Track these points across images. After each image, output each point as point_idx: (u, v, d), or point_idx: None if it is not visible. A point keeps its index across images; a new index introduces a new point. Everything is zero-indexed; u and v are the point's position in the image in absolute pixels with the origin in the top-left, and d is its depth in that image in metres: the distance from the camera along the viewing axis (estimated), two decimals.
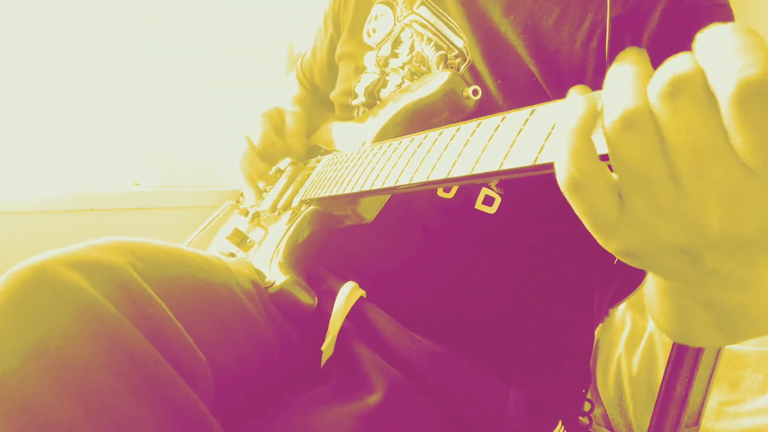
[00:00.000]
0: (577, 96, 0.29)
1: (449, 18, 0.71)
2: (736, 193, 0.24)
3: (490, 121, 0.42)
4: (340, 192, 0.62)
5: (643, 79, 0.26)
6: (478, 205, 0.64)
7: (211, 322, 0.55)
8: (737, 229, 0.25)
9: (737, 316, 0.36)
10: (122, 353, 0.42)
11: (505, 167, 0.37)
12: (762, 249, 0.26)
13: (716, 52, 0.23)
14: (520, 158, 0.36)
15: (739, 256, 0.27)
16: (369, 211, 0.68)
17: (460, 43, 0.69)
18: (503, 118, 0.40)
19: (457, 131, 0.45)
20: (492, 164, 0.38)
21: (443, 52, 0.70)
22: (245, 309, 0.60)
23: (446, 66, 0.70)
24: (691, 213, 0.26)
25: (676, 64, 0.25)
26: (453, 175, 0.42)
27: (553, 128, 0.34)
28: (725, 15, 0.59)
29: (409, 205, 0.68)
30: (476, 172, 0.40)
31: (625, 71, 0.27)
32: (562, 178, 0.28)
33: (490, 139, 0.40)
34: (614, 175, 0.28)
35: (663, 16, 0.58)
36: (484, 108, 0.65)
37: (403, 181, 0.49)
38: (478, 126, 0.43)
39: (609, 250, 0.31)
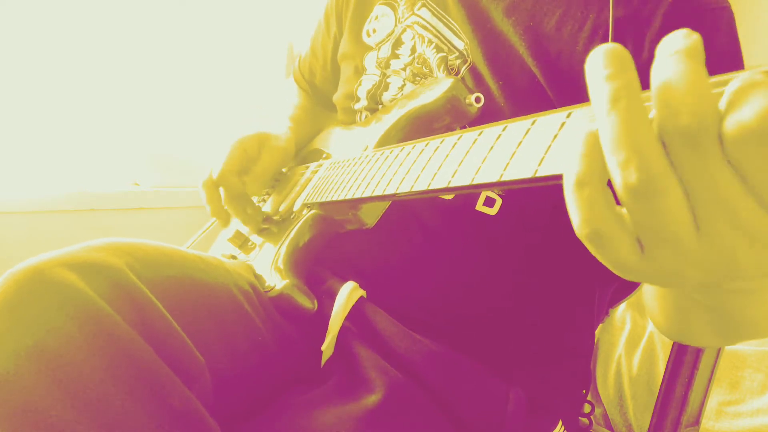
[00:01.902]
0: (587, 148, 0.26)
1: (450, 20, 0.71)
2: (761, 231, 0.24)
3: (491, 131, 0.42)
4: (342, 197, 0.62)
5: (651, 129, 0.24)
6: (479, 207, 0.64)
7: (208, 322, 0.55)
8: (765, 265, 0.25)
9: (737, 319, 0.36)
10: (119, 354, 0.42)
11: (505, 178, 0.37)
12: None
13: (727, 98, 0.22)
14: (520, 170, 0.36)
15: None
16: (370, 216, 0.68)
17: (460, 44, 0.69)
18: (504, 128, 0.40)
19: (458, 139, 0.45)
20: (492, 175, 0.38)
21: (444, 54, 0.70)
22: (243, 310, 0.60)
23: (447, 68, 0.70)
24: (716, 255, 0.25)
25: (690, 103, 0.23)
26: (454, 184, 0.42)
27: (554, 139, 0.34)
28: (727, 18, 0.59)
29: (410, 206, 0.68)
30: (477, 182, 0.40)
31: (626, 121, 0.24)
32: (579, 230, 0.27)
33: (491, 149, 0.40)
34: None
35: (665, 18, 0.58)
36: (486, 109, 0.65)
37: (404, 188, 0.49)
38: (479, 135, 0.43)
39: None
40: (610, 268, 0.28)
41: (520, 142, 0.37)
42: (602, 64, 0.25)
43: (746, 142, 0.22)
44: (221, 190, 0.77)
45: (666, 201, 0.24)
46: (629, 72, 0.24)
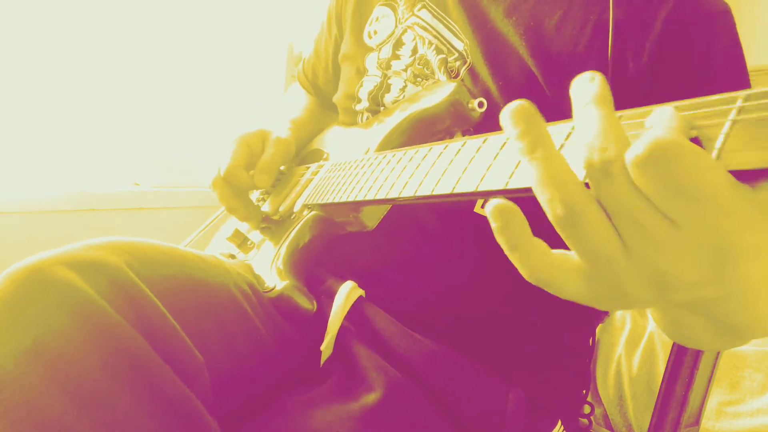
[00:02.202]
0: (495, 221, 0.30)
1: (449, 21, 0.71)
2: (674, 244, 0.27)
3: (495, 139, 0.42)
4: (343, 199, 0.62)
5: (562, 164, 0.29)
6: (477, 208, 0.64)
7: (207, 321, 0.55)
8: (695, 273, 0.27)
9: (729, 325, 0.35)
10: (119, 352, 0.42)
11: (510, 186, 0.37)
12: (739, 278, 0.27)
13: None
14: (526, 178, 0.36)
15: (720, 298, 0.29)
16: (371, 218, 0.68)
17: (460, 45, 0.69)
18: (509, 137, 0.41)
19: (462, 146, 0.45)
20: (497, 182, 0.39)
21: (443, 55, 0.70)
22: (242, 309, 0.60)
23: (447, 70, 0.70)
24: (648, 271, 0.28)
25: (598, 143, 0.27)
26: (458, 191, 0.43)
27: (560, 149, 0.35)
28: (728, 21, 0.59)
29: (409, 207, 0.68)
30: (481, 189, 0.40)
31: (545, 167, 0.29)
32: (528, 279, 0.31)
33: (495, 157, 0.40)
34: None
35: (665, 23, 0.58)
36: (486, 110, 0.65)
37: (407, 193, 0.49)
38: (484, 142, 0.43)
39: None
40: (572, 300, 0.32)
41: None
42: (513, 123, 0.29)
43: (640, 169, 0.25)
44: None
45: (591, 226, 0.28)
46: (538, 125, 0.29)
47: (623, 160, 0.26)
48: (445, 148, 0.47)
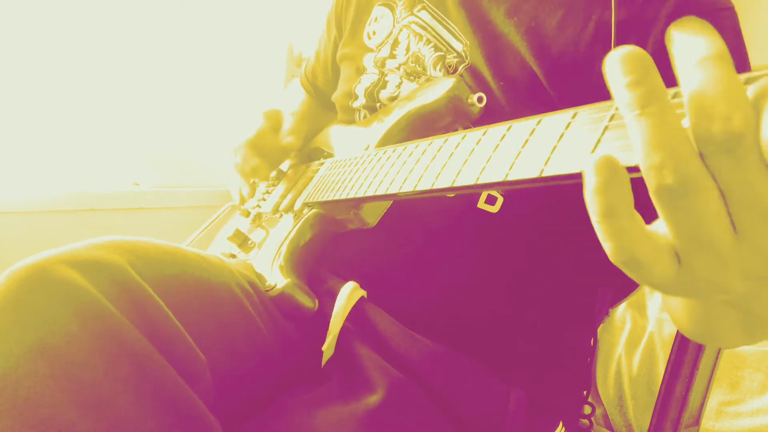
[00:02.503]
0: (598, 177, 0.25)
1: (449, 22, 0.71)
2: None
3: (495, 130, 0.41)
4: (343, 196, 0.61)
5: (684, 132, 0.24)
6: (481, 204, 0.64)
7: (209, 321, 0.55)
8: None
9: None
10: (121, 352, 0.42)
11: (510, 178, 0.36)
12: None
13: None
14: (526, 170, 0.35)
15: None
16: (371, 215, 0.68)
17: (459, 46, 0.69)
18: (509, 128, 0.40)
19: (462, 139, 0.45)
20: (497, 175, 0.38)
21: (441, 53, 0.70)
22: (244, 309, 0.60)
23: (444, 66, 0.70)
24: (755, 260, 0.25)
25: (727, 113, 0.23)
26: (458, 183, 0.42)
27: (560, 138, 0.34)
28: (732, 18, 0.59)
29: (411, 204, 0.68)
30: (482, 182, 0.39)
31: (660, 125, 0.24)
32: (612, 259, 0.27)
33: (496, 148, 0.40)
34: (665, 234, 0.27)
35: (668, 20, 0.58)
36: (487, 110, 0.65)
37: (407, 188, 0.49)
38: (484, 134, 0.43)
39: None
40: (651, 288, 0.28)
41: (526, 142, 0.37)
42: (624, 70, 0.24)
43: None
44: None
45: (702, 202, 0.24)
46: (653, 75, 0.24)
47: (755, 132, 0.23)
48: (445, 142, 0.47)
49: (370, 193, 0.55)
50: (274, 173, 0.90)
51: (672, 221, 0.25)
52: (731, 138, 0.23)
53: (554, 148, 0.34)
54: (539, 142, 0.36)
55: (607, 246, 0.26)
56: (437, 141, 0.48)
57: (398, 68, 0.75)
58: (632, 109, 0.25)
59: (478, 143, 0.42)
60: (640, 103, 0.24)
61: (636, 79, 0.24)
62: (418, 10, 0.74)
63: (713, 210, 0.24)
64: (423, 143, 0.51)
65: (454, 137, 0.46)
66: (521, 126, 0.39)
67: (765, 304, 0.27)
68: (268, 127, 0.84)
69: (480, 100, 0.64)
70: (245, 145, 0.83)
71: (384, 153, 0.57)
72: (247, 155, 0.82)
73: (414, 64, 0.73)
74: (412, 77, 0.73)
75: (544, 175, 0.34)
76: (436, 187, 0.45)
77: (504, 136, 0.40)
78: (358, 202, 0.66)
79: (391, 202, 0.68)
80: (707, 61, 0.23)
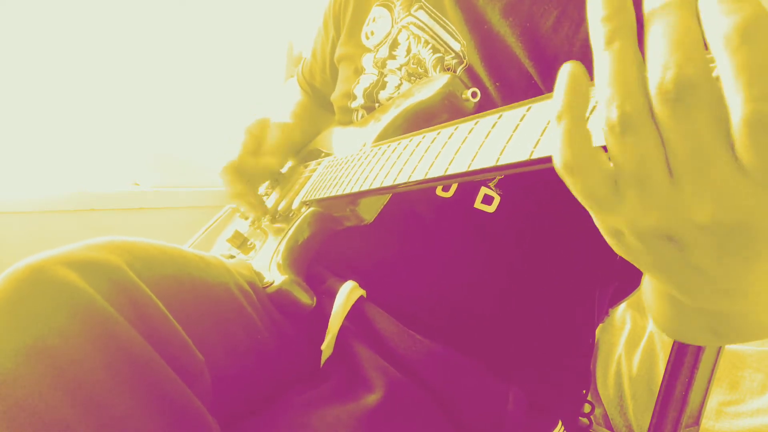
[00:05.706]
0: (568, 84, 0.28)
1: (447, 21, 0.71)
2: (731, 189, 0.24)
3: (487, 119, 0.42)
4: (340, 192, 0.62)
5: (638, 72, 0.25)
6: (478, 204, 0.64)
7: (208, 321, 0.55)
8: (724, 218, 0.25)
9: (733, 323, 0.35)
10: (119, 352, 0.42)
11: (501, 162, 0.37)
12: (747, 248, 0.26)
13: (731, 60, 0.22)
14: (516, 153, 0.36)
15: (724, 254, 0.27)
16: (368, 212, 0.68)
17: (457, 46, 0.69)
18: (500, 116, 0.41)
19: (455, 129, 0.46)
20: (488, 160, 0.39)
21: (440, 54, 0.70)
22: (243, 308, 0.60)
23: (443, 68, 0.70)
24: (683, 205, 0.26)
25: (680, 63, 0.23)
26: (451, 172, 0.43)
27: (548, 123, 0.35)
28: None
29: (408, 204, 0.68)
30: (473, 168, 0.40)
31: (616, 62, 0.26)
32: (557, 162, 0.29)
33: (487, 135, 0.41)
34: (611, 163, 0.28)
35: None
36: (484, 110, 0.65)
37: (402, 179, 0.49)
38: (475, 124, 0.43)
39: (600, 228, 0.31)
40: (582, 202, 0.29)
41: (517, 126, 0.38)
42: (600, 5, 0.26)
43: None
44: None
45: (641, 140, 0.25)
46: (625, 14, 0.25)
47: (708, 87, 0.23)
48: (438, 134, 0.48)
49: (365, 188, 0.56)
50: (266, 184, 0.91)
51: (615, 154, 0.27)
52: (682, 87, 0.23)
53: (543, 130, 0.35)
54: (529, 127, 0.37)
55: (555, 151, 0.28)
56: (430, 133, 0.49)
57: (399, 69, 0.75)
58: (599, 44, 0.26)
59: (470, 132, 0.43)
60: (607, 38, 0.26)
61: (608, 14, 0.26)
62: (416, 10, 0.74)
63: (651, 149, 0.25)
64: (417, 136, 0.51)
65: (446, 129, 0.47)
66: (512, 113, 0.40)
67: (704, 254, 0.27)
68: (251, 145, 0.81)
69: (474, 95, 0.64)
70: (228, 170, 0.80)
71: (379, 148, 0.58)
72: (231, 180, 0.80)
73: (415, 66, 0.73)
74: (413, 78, 0.73)
75: (534, 157, 0.34)
76: (430, 176, 0.45)
77: (495, 123, 0.41)
78: (354, 198, 0.67)
79: (389, 197, 0.68)
80: (670, 5, 0.24)
